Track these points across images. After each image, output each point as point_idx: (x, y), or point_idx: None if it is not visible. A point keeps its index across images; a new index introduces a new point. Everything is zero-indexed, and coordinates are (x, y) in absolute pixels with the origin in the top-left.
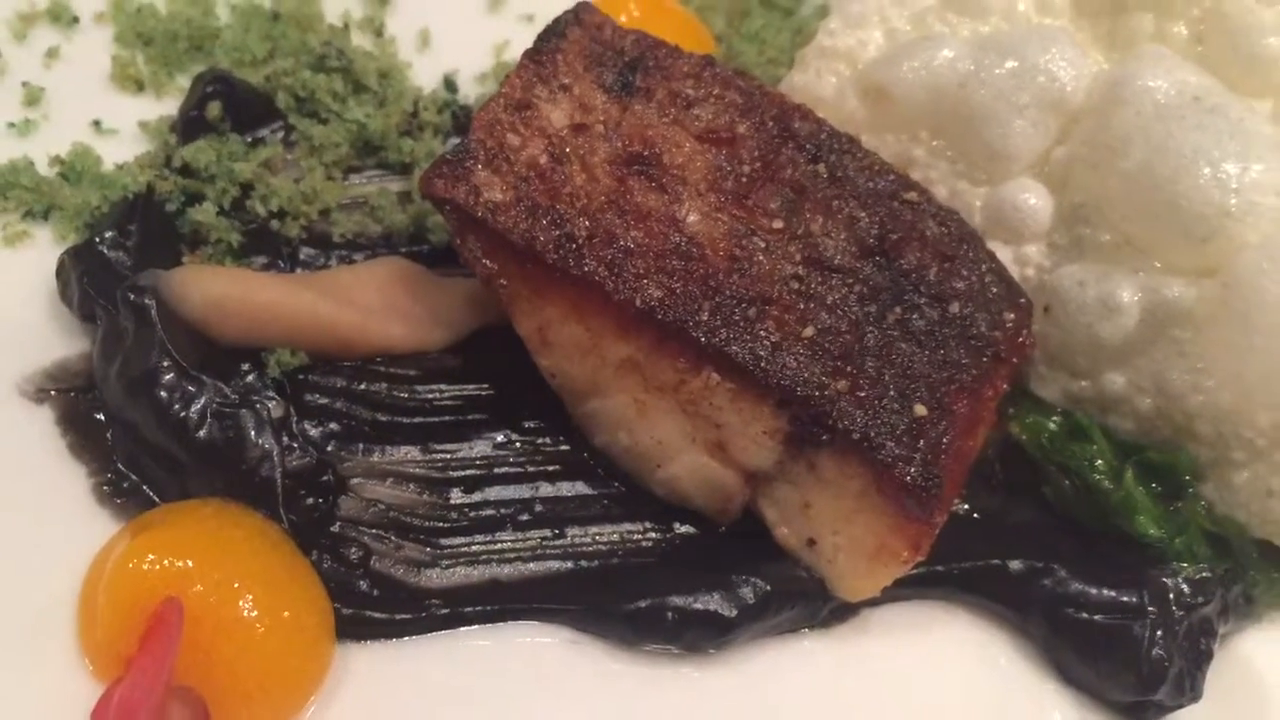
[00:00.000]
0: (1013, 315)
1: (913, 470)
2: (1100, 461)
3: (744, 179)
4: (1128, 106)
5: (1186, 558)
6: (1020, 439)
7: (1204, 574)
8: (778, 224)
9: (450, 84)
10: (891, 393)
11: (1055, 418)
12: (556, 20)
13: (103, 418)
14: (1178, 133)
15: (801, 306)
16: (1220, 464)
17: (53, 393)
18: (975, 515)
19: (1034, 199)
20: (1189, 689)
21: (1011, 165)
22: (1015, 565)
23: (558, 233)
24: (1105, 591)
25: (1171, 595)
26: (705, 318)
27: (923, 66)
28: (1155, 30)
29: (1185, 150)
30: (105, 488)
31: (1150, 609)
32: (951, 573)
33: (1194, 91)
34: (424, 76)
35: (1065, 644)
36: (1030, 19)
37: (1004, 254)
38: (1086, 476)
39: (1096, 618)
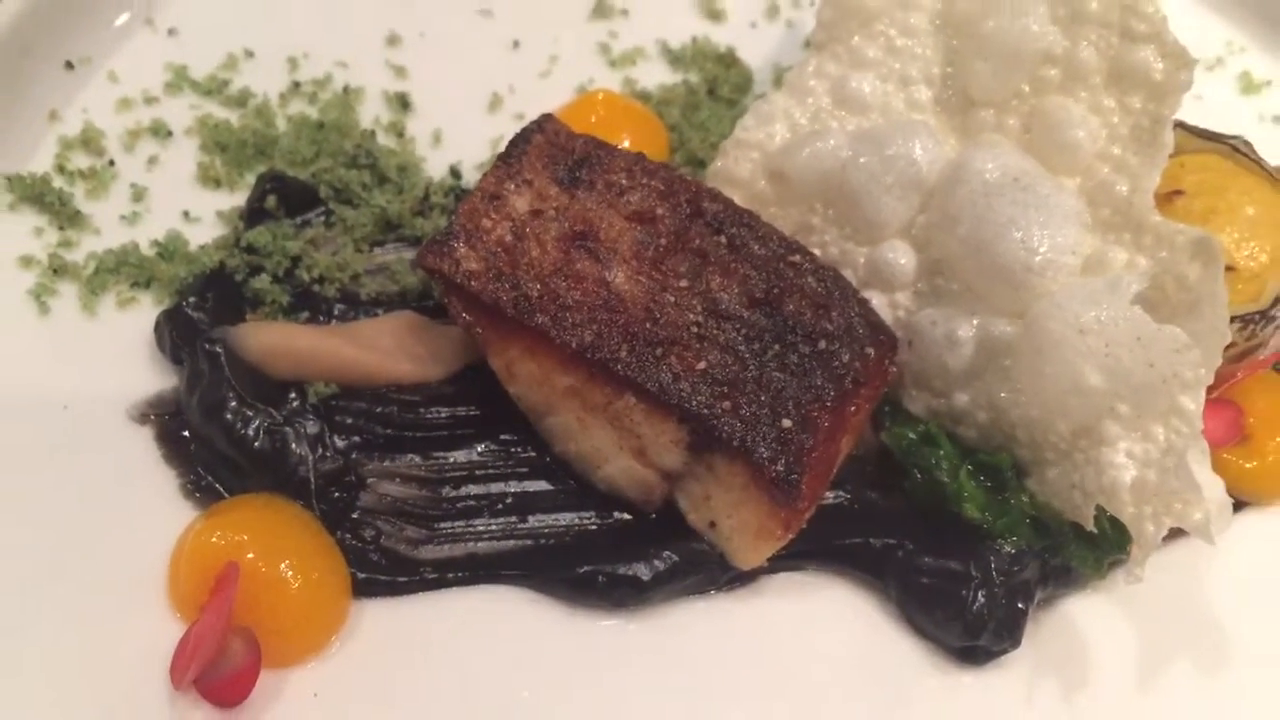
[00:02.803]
0: (873, 349)
1: (778, 468)
2: (945, 462)
3: (661, 249)
4: (965, 185)
5: (1009, 536)
6: (888, 445)
7: (1022, 549)
8: (684, 283)
9: (455, 173)
10: (765, 411)
11: (919, 428)
12: (524, 130)
13: (187, 435)
14: (997, 206)
15: (698, 346)
16: (1038, 463)
17: (151, 417)
18: (855, 505)
19: (902, 257)
20: (1007, 637)
21: (884, 231)
22: (877, 542)
23: (516, 294)
24: (942, 562)
25: (993, 565)
26: (624, 356)
27: (813, 155)
28: (996, 122)
29: (1001, 219)
30: (188, 486)
31: (975, 575)
32: (829, 548)
33: (1014, 173)
34: (435, 167)
35: (912, 602)
36: (902, 114)
37: (880, 300)
38: (933, 474)
39: (934, 582)
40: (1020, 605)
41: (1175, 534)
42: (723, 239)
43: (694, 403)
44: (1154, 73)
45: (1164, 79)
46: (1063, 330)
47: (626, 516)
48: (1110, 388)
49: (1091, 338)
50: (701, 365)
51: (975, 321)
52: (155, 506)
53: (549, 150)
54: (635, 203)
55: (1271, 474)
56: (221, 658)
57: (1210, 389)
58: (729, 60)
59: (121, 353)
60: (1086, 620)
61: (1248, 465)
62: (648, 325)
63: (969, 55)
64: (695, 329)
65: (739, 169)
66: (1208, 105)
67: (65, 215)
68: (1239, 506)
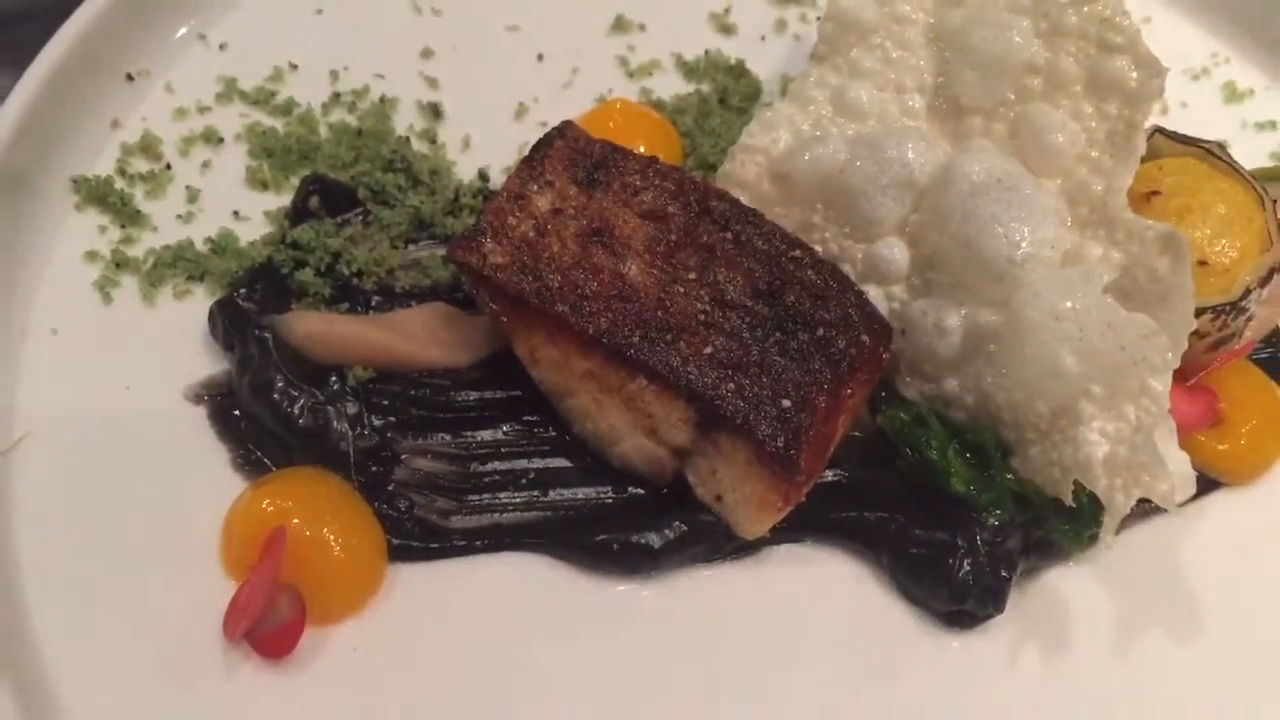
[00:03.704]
0: (868, 337)
1: (778, 445)
2: (934, 442)
3: (671, 244)
4: (954, 185)
5: (994, 510)
6: (883, 426)
7: (1005, 522)
8: (693, 275)
9: (484, 176)
10: (766, 392)
11: (911, 410)
12: (546, 135)
13: (238, 414)
14: (983, 204)
15: (705, 333)
16: (1021, 442)
17: (205, 397)
18: (852, 482)
19: (897, 253)
20: (991, 603)
21: (880, 228)
22: (871, 516)
23: (538, 285)
24: (931, 533)
25: (978, 536)
26: (637, 341)
27: (813, 158)
28: (984, 128)
29: (985, 217)
30: (239, 460)
31: (960, 545)
32: (827, 521)
33: (998, 175)
34: (465, 171)
35: (903, 570)
36: (897, 120)
37: (876, 293)
38: (924, 452)
39: (924, 552)
40: (1004, 573)
41: (1152, 511)
42: (729, 235)
43: (701, 384)
44: (1129, 81)
45: (1138, 87)
46: (1040, 317)
47: (639, 490)
48: (1084, 370)
49: (1067, 323)
50: (708, 350)
51: (963, 312)
52: (209, 478)
53: (569, 154)
54: (648, 202)
55: (1243, 455)
56: (270, 613)
57: (1187, 376)
58: (739, 71)
59: (178, 339)
60: (1068, 589)
61: (1221, 447)
62: (659, 314)
63: (959, 66)
64: (703, 317)
65: (745, 172)
66: (1193, 113)
67: (126, 214)
68: (1212, 485)
